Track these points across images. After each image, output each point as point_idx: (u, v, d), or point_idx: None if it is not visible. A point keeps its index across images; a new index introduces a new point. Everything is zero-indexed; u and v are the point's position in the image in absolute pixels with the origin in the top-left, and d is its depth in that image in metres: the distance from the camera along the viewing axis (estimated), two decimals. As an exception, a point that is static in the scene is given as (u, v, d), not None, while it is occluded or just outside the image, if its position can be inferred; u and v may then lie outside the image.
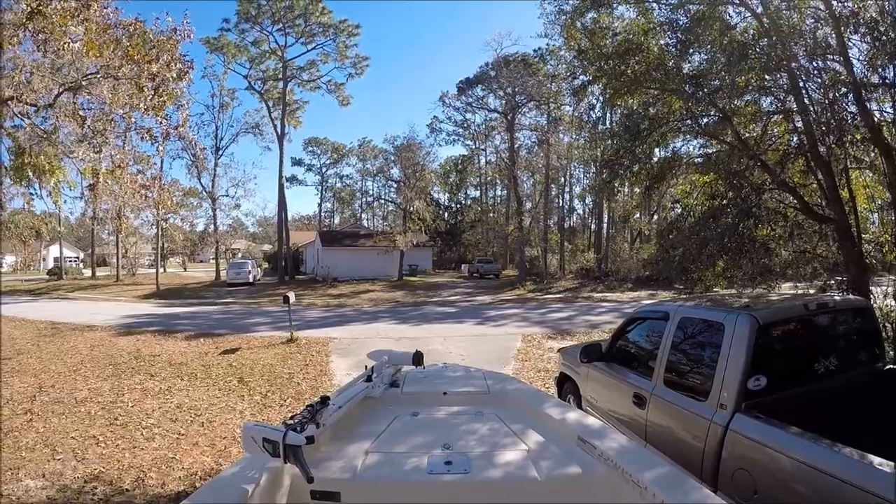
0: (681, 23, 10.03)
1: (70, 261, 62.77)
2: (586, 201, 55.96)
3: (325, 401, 2.87)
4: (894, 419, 3.92)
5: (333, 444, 3.00)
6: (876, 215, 10.37)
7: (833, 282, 9.41)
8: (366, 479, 2.65)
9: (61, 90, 8.61)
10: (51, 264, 58.39)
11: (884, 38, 7.73)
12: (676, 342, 4.54)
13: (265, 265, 60.39)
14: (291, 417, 2.63)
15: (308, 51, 45.13)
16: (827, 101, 8.66)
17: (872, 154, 8.60)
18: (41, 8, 7.31)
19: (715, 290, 10.09)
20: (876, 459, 2.68)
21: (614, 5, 11.26)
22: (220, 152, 46.64)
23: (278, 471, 2.55)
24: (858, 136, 8.40)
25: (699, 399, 3.97)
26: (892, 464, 2.62)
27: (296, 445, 2.34)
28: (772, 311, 4.08)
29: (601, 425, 3.27)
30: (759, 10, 9.16)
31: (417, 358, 4.06)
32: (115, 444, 6.95)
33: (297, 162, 79.92)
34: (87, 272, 54.09)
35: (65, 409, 8.48)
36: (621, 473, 2.53)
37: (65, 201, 11.28)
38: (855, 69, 8.19)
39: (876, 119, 8.19)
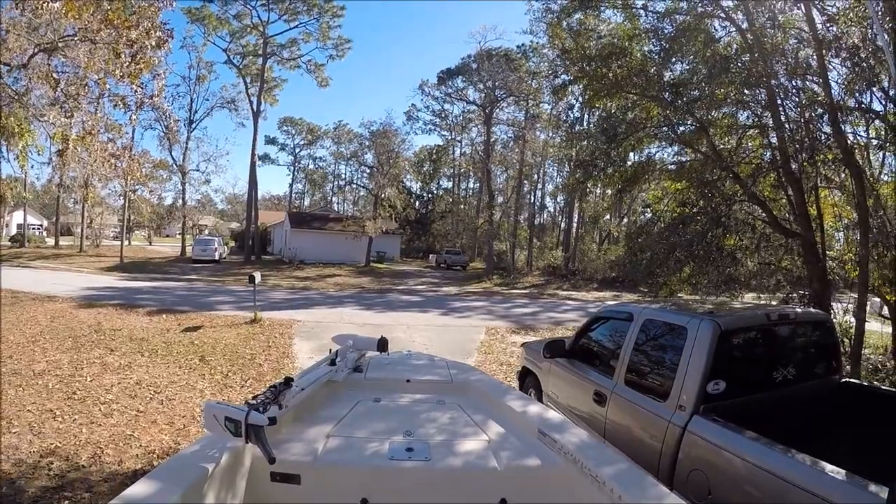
0: (666, 31, 10.16)
1: (33, 228, 61.21)
2: (558, 200, 56.63)
3: (288, 382, 2.85)
4: (847, 429, 4.04)
5: (295, 426, 2.99)
6: (842, 234, 10.59)
7: (795, 295, 9.63)
8: (326, 463, 2.65)
9: (36, 50, 8.39)
10: (13, 231, 56.84)
11: (864, 64, 7.91)
12: (639, 343, 4.60)
13: (232, 243, 59.34)
14: (254, 398, 2.61)
15: (290, 29, 44.41)
16: (803, 120, 8.85)
17: (843, 175, 8.78)
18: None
19: (679, 295, 10.26)
20: (828, 466, 2.76)
21: (602, 8, 11.33)
22: (194, 125, 45.94)
23: (239, 451, 2.53)
24: (831, 157, 8.60)
25: (659, 400, 4.03)
26: (843, 471, 2.71)
27: (258, 426, 2.32)
28: (734, 319, 4.16)
29: (562, 419, 3.30)
30: (745, 25, 9.30)
31: (382, 344, 4.04)
32: (73, 419, 6.80)
33: (270, 140, 78.37)
34: (50, 241, 52.69)
35: (22, 381, 8.26)
36: (580, 468, 2.56)
37: (32, 166, 11.02)
38: (833, 91, 8.36)
39: (849, 141, 8.38)
